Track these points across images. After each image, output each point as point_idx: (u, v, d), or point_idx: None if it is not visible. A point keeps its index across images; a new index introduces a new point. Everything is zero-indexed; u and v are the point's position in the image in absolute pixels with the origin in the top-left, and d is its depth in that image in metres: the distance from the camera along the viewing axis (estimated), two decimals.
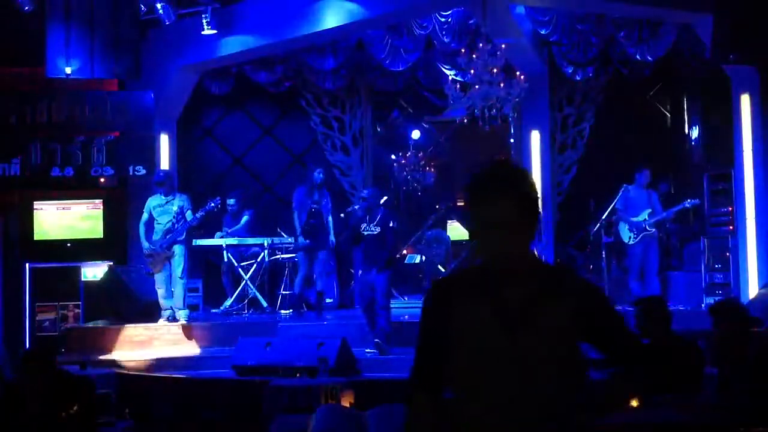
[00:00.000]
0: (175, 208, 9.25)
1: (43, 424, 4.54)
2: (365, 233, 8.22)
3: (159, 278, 9.34)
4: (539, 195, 2.27)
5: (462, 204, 2.29)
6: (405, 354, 8.02)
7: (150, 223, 9.33)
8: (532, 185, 2.22)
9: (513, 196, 2.15)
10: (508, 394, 2.16)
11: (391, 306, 8.50)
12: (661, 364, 4.94)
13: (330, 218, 10.00)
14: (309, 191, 9.91)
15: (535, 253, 2.40)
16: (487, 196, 2.17)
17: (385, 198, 10.10)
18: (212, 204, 9.39)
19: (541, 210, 2.29)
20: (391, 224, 8.27)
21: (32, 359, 5.03)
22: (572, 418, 2.22)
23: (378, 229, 8.18)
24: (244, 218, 10.77)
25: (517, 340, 2.16)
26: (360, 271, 8.46)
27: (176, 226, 9.21)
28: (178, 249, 9.23)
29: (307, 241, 9.79)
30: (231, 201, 10.78)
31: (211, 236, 10.57)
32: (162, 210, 9.30)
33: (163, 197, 9.32)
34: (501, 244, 2.17)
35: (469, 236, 2.24)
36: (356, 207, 8.84)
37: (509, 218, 2.15)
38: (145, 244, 9.29)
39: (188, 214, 9.27)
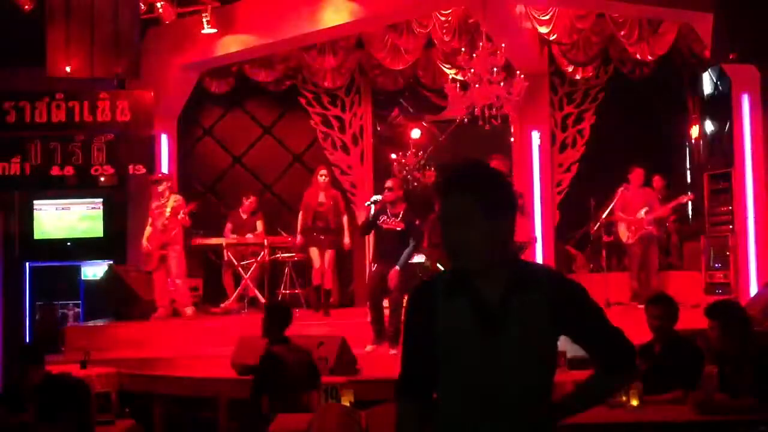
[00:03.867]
0: (168, 209, 9.40)
1: (38, 427, 4.51)
2: (384, 227, 7.91)
3: (155, 277, 9.62)
4: (509, 196, 2.26)
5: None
6: None
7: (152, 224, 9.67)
8: (499, 185, 2.23)
9: (472, 193, 2.17)
10: (488, 393, 2.17)
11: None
12: (654, 362, 4.95)
13: (343, 219, 9.88)
14: (313, 192, 9.88)
15: (517, 252, 2.45)
16: (448, 193, 2.21)
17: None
18: (193, 209, 9.70)
19: (513, 210, 2.28)
20: (416, 222, 7.99)
21: (26, 361, 5.03)
22: (549, 416, 2.25)
23: (401, 225, 7.87)
24: (259, 224, 10.72)
25: (495, 338, 2.17)
26: (374, 265, 8.10)
27: (170, 225, 9.45)
28: (172, 250, 9.42)
29: (308, 241, 9.76)
30: (250, 198, 10.75)
31: (213, 235, 10.57)
32: (158, 211, 9.59)
33: (161, 198, 9.61)
34: (459, 240, 2.19)
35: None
36: (377, 198, 8.25)
37: (467, 215, 2.16)
38: (144, 243, 9.64)
39: (181, 215, 9.54)
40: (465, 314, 2.20)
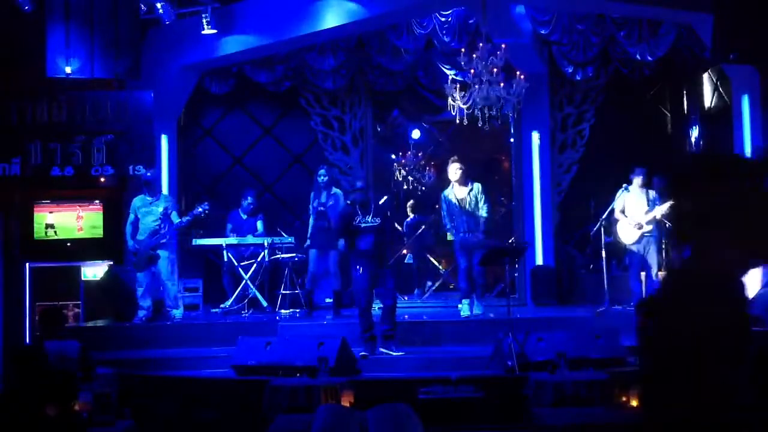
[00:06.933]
0: (160, 209, 9.40)
1: (32, 422, 4.51)
2: (362, 225, 8.00)
3: (140, 277, 9.48)
4: None
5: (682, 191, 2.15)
6: (409, 354, 8.02)
7: (136, 223, 9.48)
8: None
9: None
10: None
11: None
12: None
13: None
14: (316, 193, 9.89)
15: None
16: (699, 186, 2.03)
17: (386, 197, 10.03)
18: (200, 209, 9.38)
19: None
20: (388, 214, 8.13)
21: (19, 359, 5.02)
22: None
23: (378, 221, 8.00)
24: (260, 224, 10.72)
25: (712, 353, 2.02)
26: (359, 268, 8.04)
27: (162, 227, 9.34)
28: (163, 252, 9.35)
29: (310, 243, 9.74)
30: (249, 200, 10.76)
31: (213, 236, 10.56)
32: (146, 211, 9.45)
33: (147, 197, 9.48)
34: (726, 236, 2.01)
35: (683, 232, 2.10)
36: (348, 201, 8.41)
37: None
38: (130, 242, 9.44)
39: (173, 216, 9.44)
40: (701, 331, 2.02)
